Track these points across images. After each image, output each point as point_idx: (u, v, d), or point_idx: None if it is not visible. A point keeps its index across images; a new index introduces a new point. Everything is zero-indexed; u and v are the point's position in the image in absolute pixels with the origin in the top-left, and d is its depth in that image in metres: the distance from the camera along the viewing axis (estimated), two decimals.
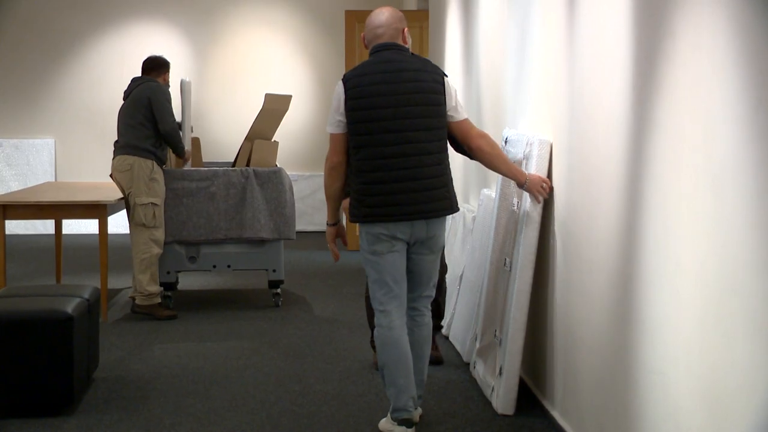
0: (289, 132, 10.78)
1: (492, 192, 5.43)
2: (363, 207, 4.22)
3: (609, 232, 3.59)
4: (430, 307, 4.44)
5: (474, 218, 6.00)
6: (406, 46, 4.32)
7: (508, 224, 4.79)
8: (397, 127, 4.17)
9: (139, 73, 6.93)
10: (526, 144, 4.58)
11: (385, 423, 4.34)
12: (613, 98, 3.52)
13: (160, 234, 6.66)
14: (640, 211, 3.24)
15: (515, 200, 4.71)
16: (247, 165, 7.18)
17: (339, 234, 4.51)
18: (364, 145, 4.20)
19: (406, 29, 4.34)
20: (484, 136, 4.32)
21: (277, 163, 7.29)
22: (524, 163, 4.57)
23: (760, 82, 2.37)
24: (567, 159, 4.21)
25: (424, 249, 4.27)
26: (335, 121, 4.26)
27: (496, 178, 5.20)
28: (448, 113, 4.25)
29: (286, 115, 7.51)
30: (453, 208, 4.29)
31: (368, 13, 4.48)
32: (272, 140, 7.36)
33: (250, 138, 7.30)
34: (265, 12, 11.44)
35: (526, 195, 4.52)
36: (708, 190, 2.68)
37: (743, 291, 2.47)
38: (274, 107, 7.36)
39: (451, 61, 7.71)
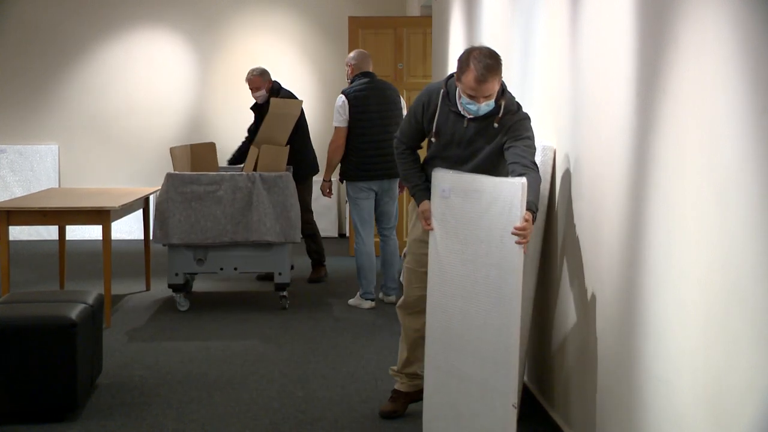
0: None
1: None
2: (358, 170, 7.00)
3: (612, 239, 3.58)
4: (393, 234, 7.21)
5: None
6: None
7: None
8: (380, 123, 7.05)
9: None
10: None
11: (355, 300, 7.25)
12: (617, 104, 3.52)
13: None
14: (644, 218, 3.23)
15: None
16: (254, 170, 7.23)
17: (330, 187, 7.32)
18: (361, 134, 7.02)
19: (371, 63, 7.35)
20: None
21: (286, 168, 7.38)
22: None
23: (765, 88, 2.36)
24: (570, 165, 4.20)
25: (386, 197, 7.13)
26: (342, 119, 7.05)
27: None
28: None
29: None
30: None
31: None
32: (285, 145, 7.38)
33: (257, 143, 7.35)
34: (269, 18, 11.45)
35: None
36: (712, 196, 2.67)
37: (748, 298, 2.46)
38: (282, 112, 7.40)
39: (454, 68, 7.69)
